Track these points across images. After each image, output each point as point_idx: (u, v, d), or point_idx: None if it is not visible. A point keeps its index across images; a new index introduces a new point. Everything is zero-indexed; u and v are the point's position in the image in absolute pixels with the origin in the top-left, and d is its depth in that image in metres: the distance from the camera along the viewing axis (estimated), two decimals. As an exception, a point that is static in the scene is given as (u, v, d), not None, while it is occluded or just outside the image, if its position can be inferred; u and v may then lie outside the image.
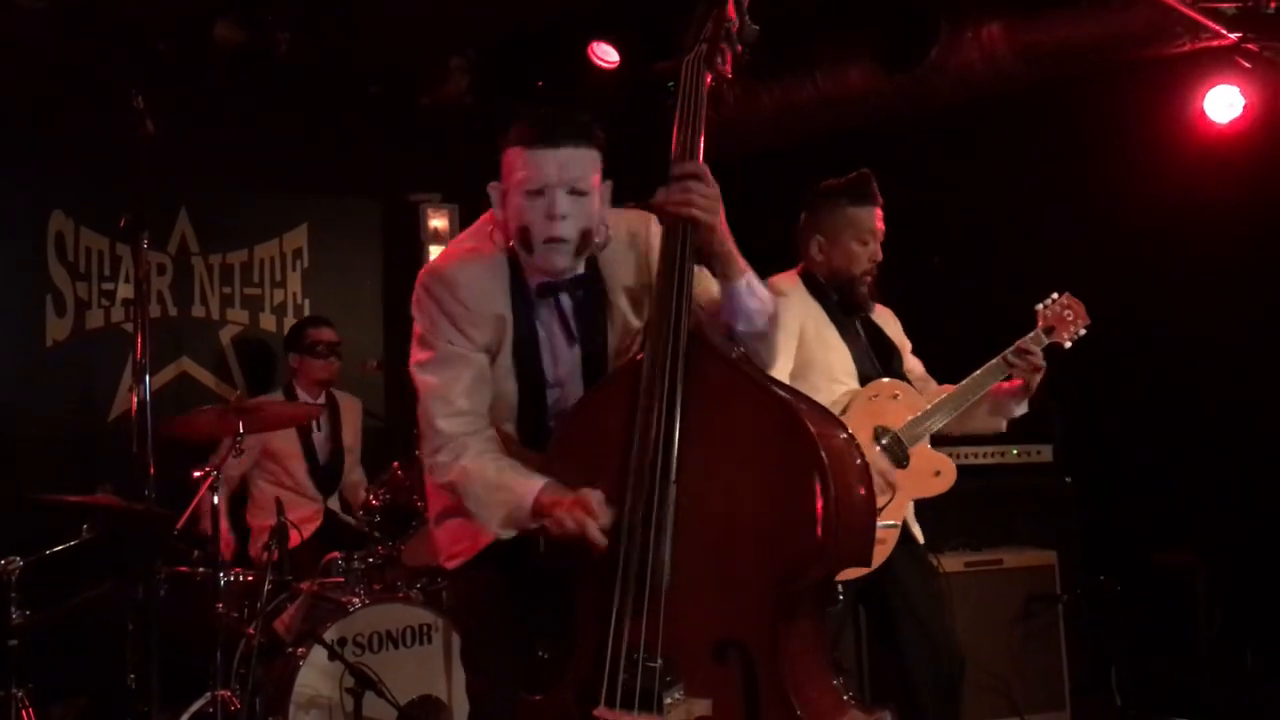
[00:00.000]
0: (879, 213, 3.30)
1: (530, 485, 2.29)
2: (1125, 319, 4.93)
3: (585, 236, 2.34)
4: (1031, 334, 3.28)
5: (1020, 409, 3.35)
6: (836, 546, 2.12)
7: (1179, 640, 4.58)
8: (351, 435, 5.04)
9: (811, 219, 3.30)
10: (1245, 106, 4.57)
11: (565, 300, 2.41)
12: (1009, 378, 3.27)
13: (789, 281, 3.28)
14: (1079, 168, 5.11)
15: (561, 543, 2.23)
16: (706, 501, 2.17)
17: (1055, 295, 3.35)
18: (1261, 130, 4.58)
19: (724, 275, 2.29)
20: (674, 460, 2.16)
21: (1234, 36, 4.27)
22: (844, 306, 3.29)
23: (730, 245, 2.28)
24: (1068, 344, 3.32)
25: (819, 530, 2.09)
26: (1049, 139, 5.18)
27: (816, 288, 3.29)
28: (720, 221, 2.24)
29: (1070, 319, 3.32)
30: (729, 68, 2.31)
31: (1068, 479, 4.89)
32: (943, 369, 3.47)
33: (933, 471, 3.27)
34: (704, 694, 2.15)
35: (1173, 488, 4.80)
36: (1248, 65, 4.37)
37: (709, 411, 2.19)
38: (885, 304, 3.52)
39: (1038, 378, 3.25)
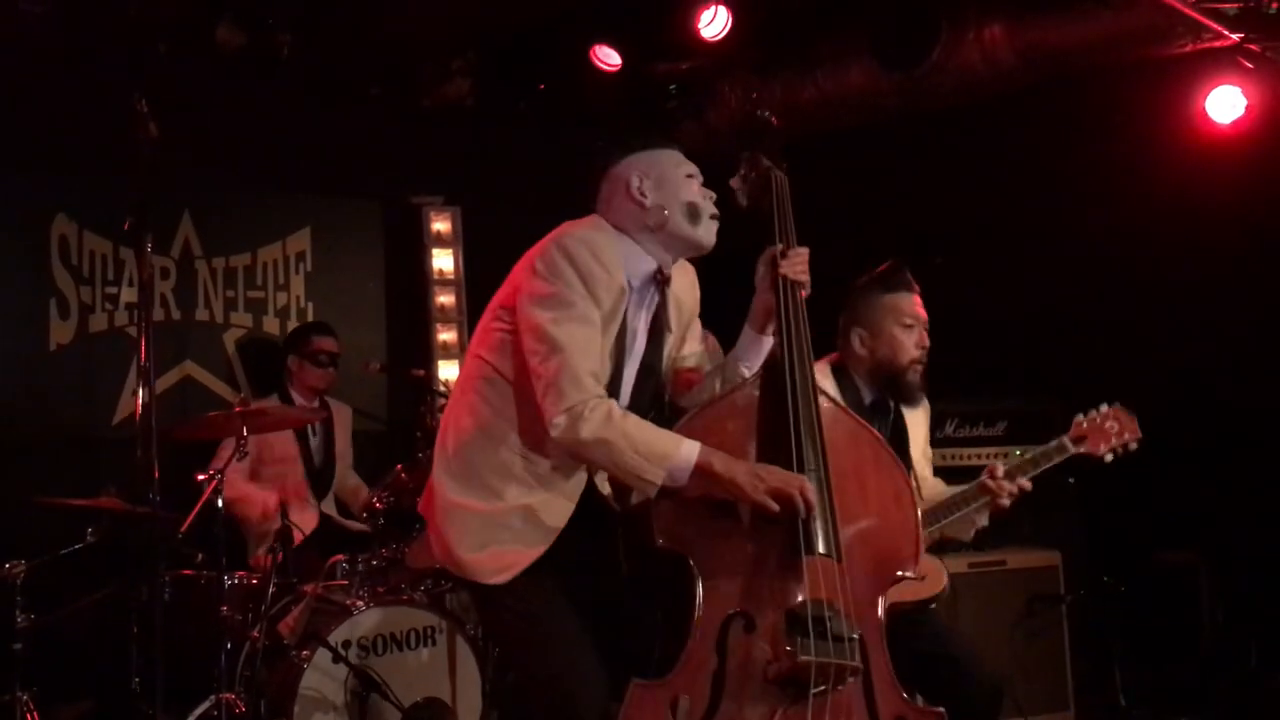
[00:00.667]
0: (918, 300, 3.23)
1: (689, 442, 2.43)
2: (1127, 319, 4.95)
3: None
4: (1056, 442, 3.14)
5: (983, 521, 3.17)
6: (920, 552, 2.58)
7: (1182, 640, 4.58)
8: (343, 441, 5.06)
9: (850, 315, 3.23)
10: (1247, 107, 4.56)
11: (654, 296, 2.64)
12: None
13: (818, 369, 3.00)
14: (1080, 168, 5.11)
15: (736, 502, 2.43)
16: (838, 494, 2.52)
17: (1104, 407, 3.17)
18: (1263, 131, 4.58)
19: (765, 329, 2.70)
20: (823, 455, 2.52)
21: (1236, 37, 4.27)
22: (876, 405, 3.21)
23: None
24: (1107, 458, 3.14)
25: (916, 536, 2.58)
26: (1050, 140, 5.18)
27: (845, 381, 3.20)
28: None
29: (1114, 431, 3.13)
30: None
31: (1070, 479, 4.89)
32: (944, 372, 3.45)
33: (918, 577, 2.86)
34: None
35: (1175, 488, 4.80)
36: (1249, 66, 4.37)
37: (826, 433, 2.58)
38: (929, 397, 3.38)
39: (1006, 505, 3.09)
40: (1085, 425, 3.16)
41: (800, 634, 2.36)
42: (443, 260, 5.81)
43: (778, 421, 2.52)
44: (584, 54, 5.46)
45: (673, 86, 5.90)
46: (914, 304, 3.23)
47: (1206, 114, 4.68)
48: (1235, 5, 4.19)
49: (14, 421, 4.73)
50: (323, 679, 3.67)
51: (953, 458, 4.72)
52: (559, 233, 2.54)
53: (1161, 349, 4.90)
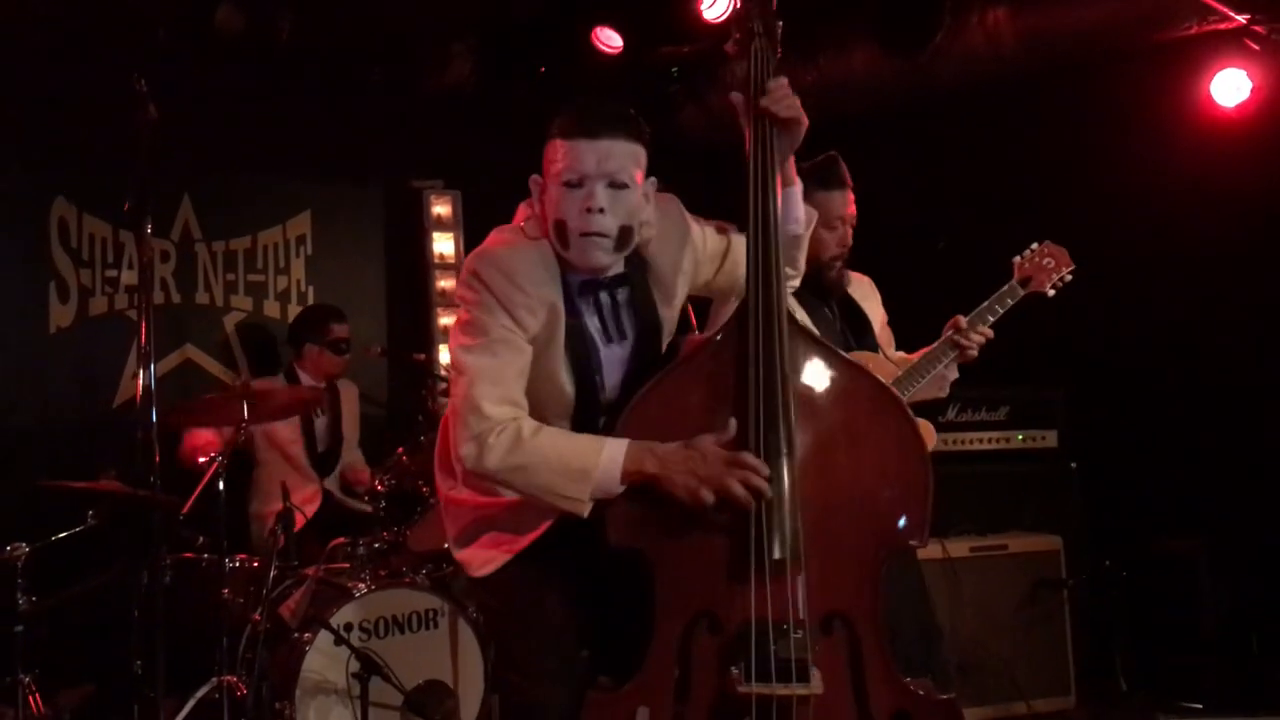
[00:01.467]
0: (850, 196, 3.25)
1: (615, 445, 2.18)
2: (1130, 304, 4.94)
3: (625, 233, 2.29)
4: (1005, 287, 3.23)
5: (953, 374, 3.27)
6: (930, 514, 2.26)
7: (1184, 625, 4.58)
8: (350, 422, 5.04)
9: None
10: (1252, 90, 4.54)
11: (605, 299, 2.36)
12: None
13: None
14: (1085, 152, 5.09)
15: (664, 510, 2.16)
16: (813, 476, 2.21)
17: (1035, 245, 3.30)
18: (1268, 114, 4.56)
19: (785, 179, 2.39)
20: (793, 432, 2.18)
21: (1242, 18, 4.26)
22: (813, 290, 3.22)
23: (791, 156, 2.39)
24: (1050, 292, 3.26)
25: (926, 499, 2.24)
26: (1054, 124, 5.17)
27: None
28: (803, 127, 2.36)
29: (1051, 266, 3.26)
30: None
31: (1072, 464, 4.89)
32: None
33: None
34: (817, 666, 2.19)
35: (1177, 473, 4.80)
36: (1255, 47, 4.35)
37: (805, 386, 2.26)
38: (866, 272, 3.48)
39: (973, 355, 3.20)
40: (1026, 265, 3.27)
41: (743, 658, 2.15)
42: (443, 244, 5.80)
43: (742, 386, 2.21)
44: (585, 36, 5.44)
45: (674, 70, 5.87)
46: (845, 202, 3.25)
47: (1211, 97, 4.66)
48: (1241, -13, 4.18)
49: (14, 405, 4.72)
50: (324, 661, 3.67)
51: (955, 442, 4.71)
52: (476, 252, 2.34)
53: (1165, 333, 4.89)
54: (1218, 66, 4.61)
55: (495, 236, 2.37)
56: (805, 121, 2.35)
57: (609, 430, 2.29)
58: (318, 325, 4.94)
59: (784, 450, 2.19)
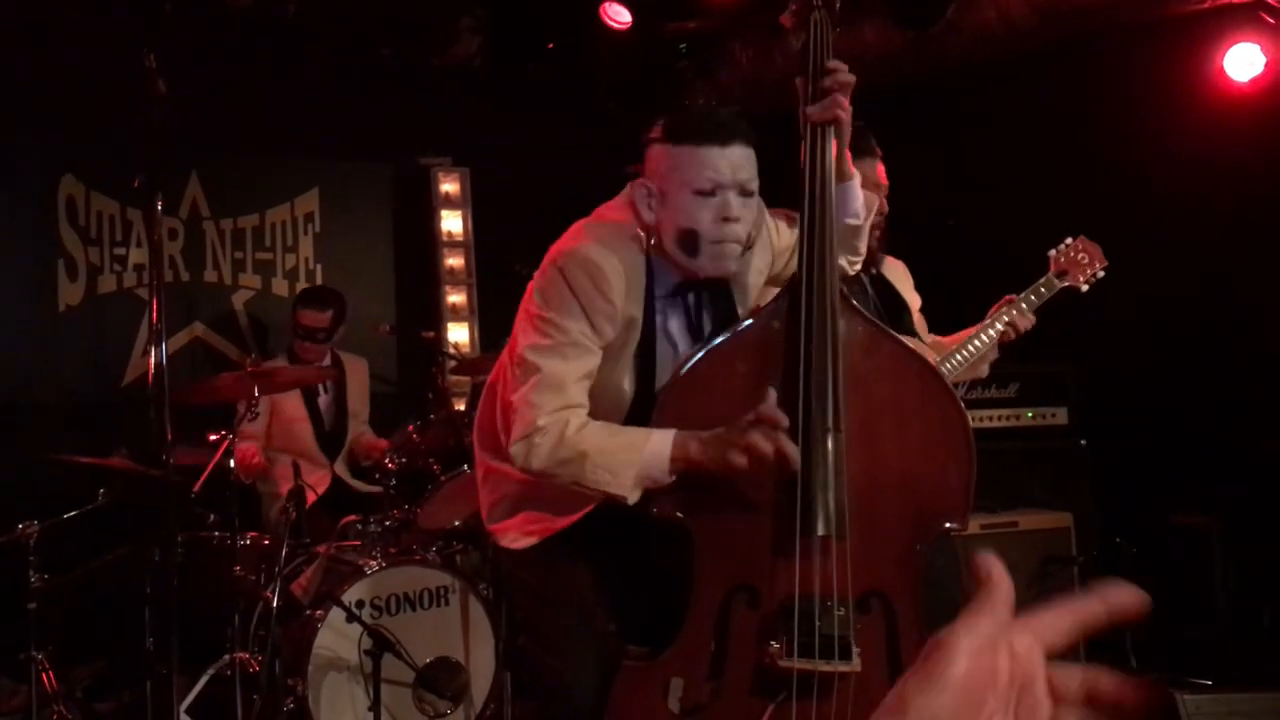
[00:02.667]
0: (880, 166, 3.24)
1: (660, 436, 2.16)
2: (1143, 279, 4.90)
3: (750, 239, 2.29)
4: (1043, 279, 3.26)
5: (995, 354, 3.31)
6: (972, 497, 2.25)
7: (1194, 601, 4.58)
8: (358, 398, 5.00)
9: None
10: (1266, 64, 4.51)
11: (692, 299, 2.35)
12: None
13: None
14: (1097, 127, 5.06)
15: (723, 477, 2.12)
16: (859, 453, 2.19)
17: (1069, 239, 3.33)
18: (1281, 89, 4.52)
19: (841, 175, 2.35)
20: (841, 408, 2.17)
21: (1257, -8, 4.22)
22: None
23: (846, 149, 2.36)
24: (1084, 287, 3.29)
25: (968, 482, 2.23)
26: (1066, 98, 5.13)
27: None
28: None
29: (1085, 262, 3.30)
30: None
31: (1083, 441, 4.88)
32: (959, 327, 3.44)
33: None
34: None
35: (1188, 449, 4.78)
36: (1271, 20, 4.31)
37: (854, 364, 2.23)
38: (898, 257, 3.48)
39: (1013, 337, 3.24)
40: (1062, 259, 3.30)
41: (785, 633, 2.13)
42: (451, 222, 5.78)
43: (792, 363, 2.18)
44: (594, 12, 5.40)
45: (683, 45, 5.84)
46: (876, 171, 3.23)
47: (1225, 72, 4.62)
48: (1257, -40, 4.15)
49: (24, 384, 4.73)
50: (337, 638, 3.67)
51: (965, 419, 4.70)
52: (564, 245, 2.28)
53: (1177, 309, 4.87)
54: (1231, 41, 4.57)
55: (584, 234, 2.32)
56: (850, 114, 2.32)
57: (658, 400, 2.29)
58: (293, 310, 4.86)
59: (830, 425, 2.17)
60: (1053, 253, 3.30)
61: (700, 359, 2.27)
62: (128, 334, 4.98)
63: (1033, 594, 4.46)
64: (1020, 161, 5.23)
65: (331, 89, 5.38)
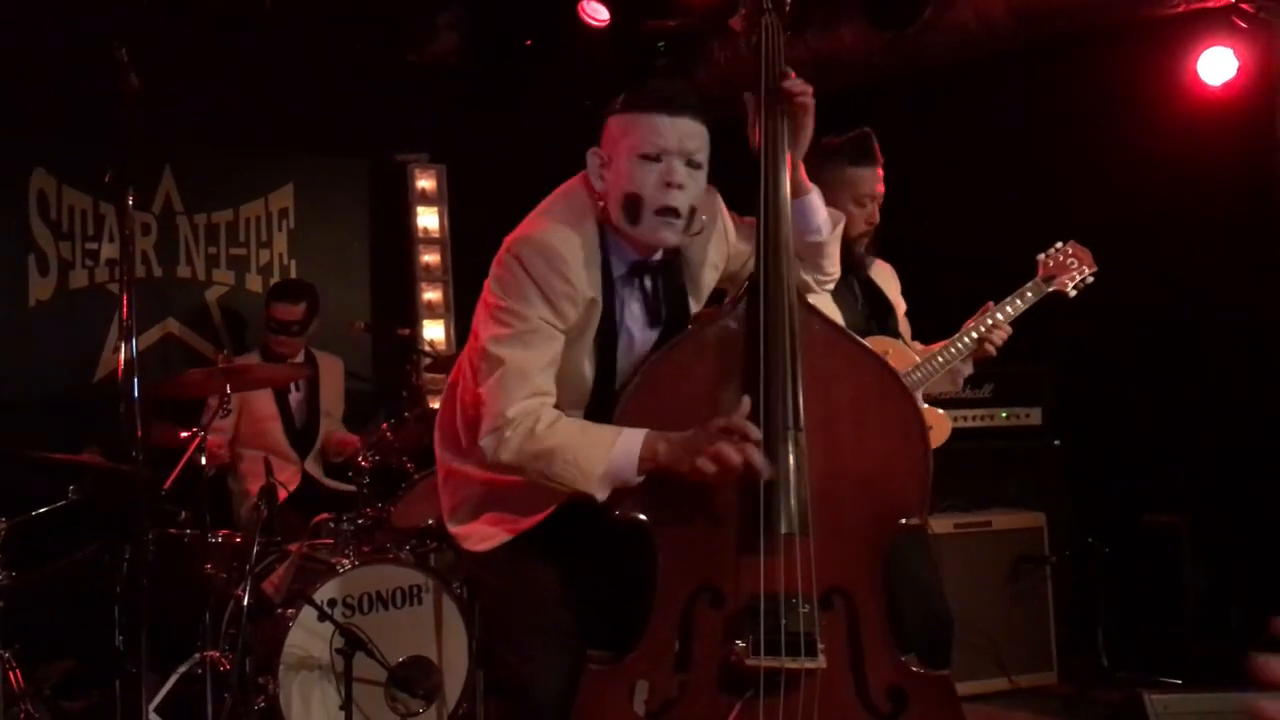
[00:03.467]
0: (880, 174, 3.23)
1: (630, 436, 2.16)
2: (1115, 280, 4.92)
3: (693, 214, 2.26)
4: (1030, 283, 3.23)
5: (968, 369, 3.30)
6: (929, 494, 2.30)
7: (1165, 601, 4.61)
8: (331, 397, 4.97)
9: (809, 176, 3.25)
10: (1238, 69, 4.54)
11: (649, 282, 2.32)
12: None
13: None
14: (1072, 128, 5.09)
15: (689, 483, 2.13)
16: (818, 451, 2.22)
17: (1059, 243, 3.29)
18: (1254, 93, 4.56)
19: (795, 190, 2.35)
20: (801, 406, 2.19)
21: (1230, -3, 4.25)
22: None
23: (800, 163, 2.37)
24: (1072, 293, 3.26)
25: (925, 478, 2.28)
26: (1042, 99, 5.16)
27: None
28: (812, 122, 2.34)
29: (1074, 266, 3.26)
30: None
31: (1056, 441, 4.91)
32: (936, 329, 3.45)
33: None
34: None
35: (1159, 450, 4.82)
36: (1243, 25, 4.34)
37: (812, 363, 2.25)
38: (886, 259, 3.48)
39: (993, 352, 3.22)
40: (1050, 263, 3.26)
41: (751, 631, 2.16)
42: (428, 218, 5.76)
43: (752, 363, 2.21)
44: (572, 10, 5.39)
45: (661, 44, 5.83)
46: (875, 179, 3.22)
47: (1198, 75, 4.66)
48: (1230, -35, 4.17)
49: (-6, 379, 4.68)
50: (308, 637, 3.65)
51: (940, 419, 4.72)
52: (517, 233, 2.27)
53: (1150, 311, 4.90)
54: (1205, 44, 4.61)
55: (538, 219, 2.30)
56: (809, 131, 2.34)
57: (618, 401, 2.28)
58: (265, 305, 4.83)
59: (791, 424, 2.19)
60: (1041, 256, 3.26)
61: (659, 360, 2.28)
62: (99, 329, 4.93)
63: (1005, 593, 4.50)
64: (996, 161, 5.25)
65: (308, 84, 5.34)
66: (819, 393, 2.25)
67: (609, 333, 2.31)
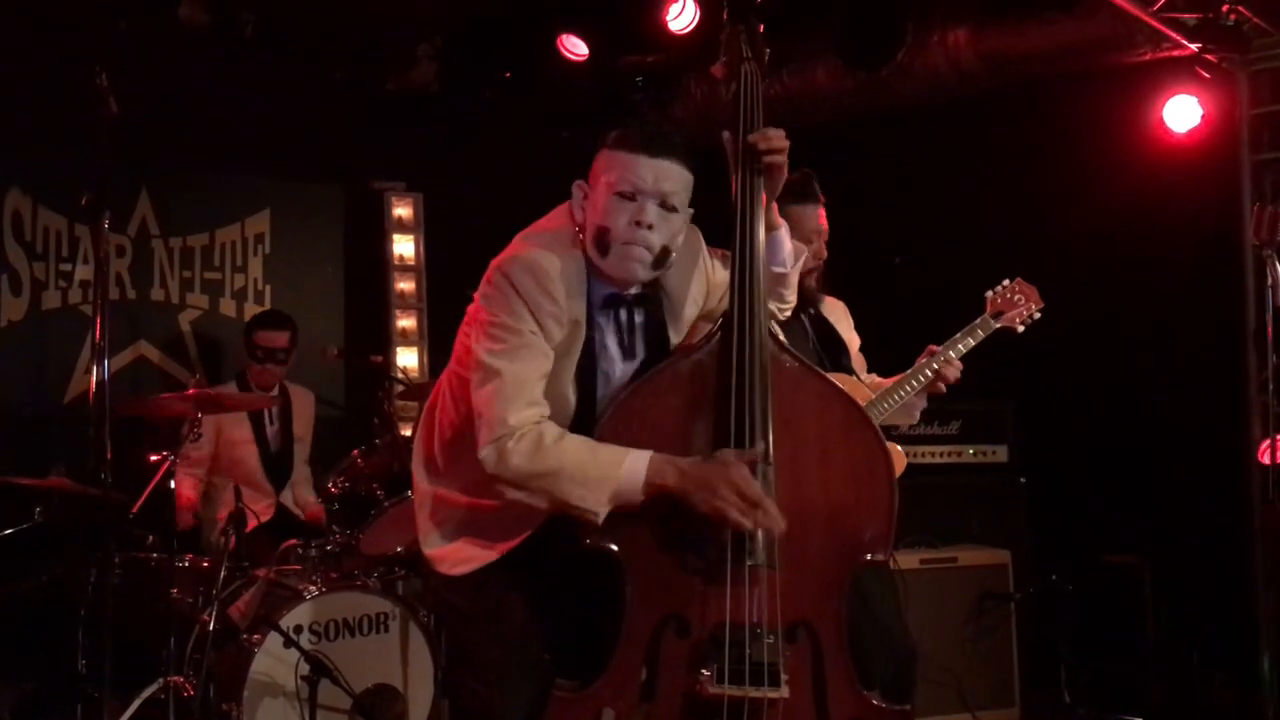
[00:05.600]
0: (822, 211, 3.31)
1: (638, 457, 2.20)
2: (1080, 322, 5.01)
3: (664, 253, 2.32)
4: (979, 319, 3.30)
5: (923, 403, 3.35)
6: (894, 531, 2.33)
7: (1127, 639, 4.66)
8: (303, 427, 4.97)
9: None
10: (1203, 116, 4.63)
11: (624, 315, 2.38)
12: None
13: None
14: (1040, 170, 5.17)
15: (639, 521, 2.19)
16: (785, 486, 2.26)
17: (1006, 281, 3.36)
18: (1218, 141, 4.65)
19: (769, 225, 2.43)
20: (771, 441, 2.23)
21: (1194, 47, 4.35)
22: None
23: (773, 200, 2.44)
24: (1020, 328, 3.32)
25: (890, 515, 2.31)
26: (1010, 143, 5.24)
27: None
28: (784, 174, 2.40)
29: (1021, 303, 3.33)
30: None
31: (1022, 479, 4.97)
32: (901, 366, 3.49)
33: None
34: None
35: (1122, 489, 4.88)
36: (1206, 75, 4.44)
37: (782, 399, 2.29)
38: (838, 296, 3.54)
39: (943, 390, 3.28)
40: (998, 300, 3.33)
41: (716, 661, 2.19)
42: (403, 246, 5.79)
43: (724, 398, 2.26)
44: (551, 43, 5.45)
45: (638, 79, 5.90)
46: (818, 217, 3.30)
47: (1164, 122, 4.75)
48: (1194, 16, 4.27)
49: (-39, 399, 4.66)
50: (274, 663, 3.64)
51: (908, 455, 4.75)
52: (506, 254, 2.33)
53: (1114, 352, 4.97)
54: (1170, 92, 4.70)
55: (524, 242, 2.36)
56: (785, 167, 2.39)
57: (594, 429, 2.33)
58: (247, 336, 4.84)
59: (760, 458, 2.23)
60: (989, 294, 3.34)
61: (633, 391, 2.33)
62: (71, 351, 4.92)
63: (970, 629, 4.53)
64: (965, 202, 5.33)
65: (287, 110, 5.37)
66: (788, 428, 2.29)
67: (590, 359, 2.36)
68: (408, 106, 5.66)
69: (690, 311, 2.50)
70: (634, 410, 2.30)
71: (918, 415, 3.38)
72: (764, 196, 2.39)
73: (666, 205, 2.30)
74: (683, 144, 2.32)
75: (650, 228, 2.28)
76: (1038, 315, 3.34)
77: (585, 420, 2.36)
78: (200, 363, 5.30)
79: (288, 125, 5.37)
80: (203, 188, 5.36)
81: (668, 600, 2.25)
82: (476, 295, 2.36)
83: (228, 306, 5.40)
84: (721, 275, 2.55)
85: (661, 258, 2.33)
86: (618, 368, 2.40)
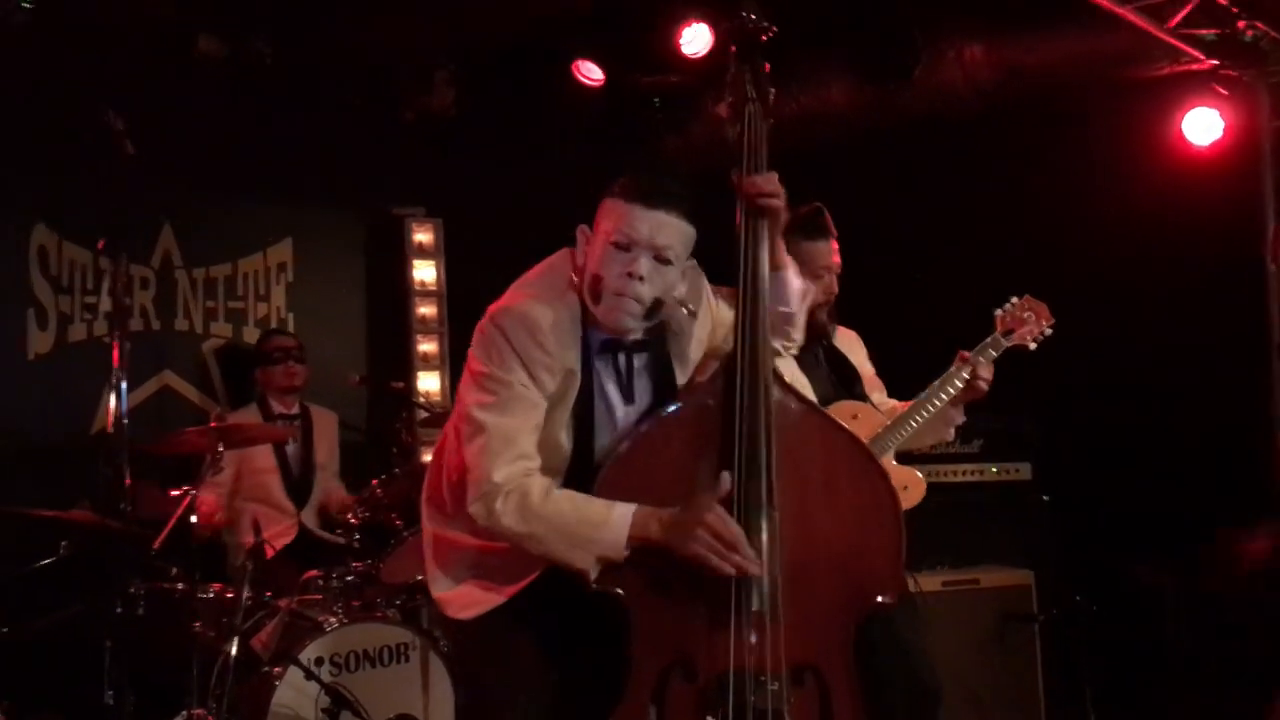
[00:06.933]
0: (834, 245, 3.31)
1: (621, 512, 2.22)
2: (1103, 336, 4.97)
3: (656, 305, 2.34)
4: (990, 338, 3.28)
5: (961, 417, 3.35)
6: (903, 574, 2.33)
7: (1153, 658, 4.61)
8: (326, 450, 5.03)
9: None
10: (1224, 129, 4.59)
11: (622, 360, 2.40)
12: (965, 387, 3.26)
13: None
14: (1059, 184, 5.14)
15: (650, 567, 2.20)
16: (791, 529, 2.26)
17: (1015, 299, 3.34)
18: (1239, 154, 4.60)
19: (774, 265, 2.41)
20: (775, 485, 2.24)
21: (1212, 62, 4.31)
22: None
23: (780, 240, 2.43)
24: (1032, 345, 3.31)
25: (898, 556, 2.31)
26: (1029, 158, 5.21)
27: None
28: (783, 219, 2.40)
29: (1031, 320, 3.31)
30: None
31: (1045, 497, 4.92)
32: (921, 381, 3.46)
33: (900, 487, 3.23)
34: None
35: (1149, 507, 4.82)
36: (1224, 91, 4.40)
37: (787, 442, 2.29)
38: (854, 315, 3.53)
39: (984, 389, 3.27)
40: (1008, 318, 3.31)
41: (721, 706, 2.19)
42: (424, 271, 5.83)
43: (728, 442, 2.27)
44: (566, 69, 5.48)
45: (656, 100, 5.92)
46: (830, 251, 3.30)
47: (1184, 135, 4.70)
48: (1212, 32, 4.23)
49: (-10, 433, 4.72)
50: (295, 695, 3.67)
51: (929, 474, 4.67)
52: (498, 305, 2.36)
53: (1137, 366, 4.93)
54: (1190, 105, 4.66)
55: (519, 291, 2.39)
56: (782, 213, 2.39)
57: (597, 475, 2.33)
58: (257, 345, 5.01)
59: (764, 503, 2.24)
60: (998, 312, 3.32)
61: (638, 437, 2.34)
62: (97, 383, 4.94)
63: (993, 651, 4.49)
64: (983, 217, 5.30)
65: (306, 139, 5.42)
66: (794, 471, 2.29)
67: (585, 405, 2.37)
68: (426, 133, 5.70)
69: (696, 352, 2.50)
70: (634, 462, 2.31)
71: (953, 431, 3.38)
72: (772, 237, 2.39)
73: (661, 258, 2.31)
74: (685, 196, 2.34)
75: (642, 280, 2.30)
76: (1049, 332, 3.32)
77: (582, 467, 2.37)
78: (224, 391, 5.34)
79: (307, 154, 5.42)
80: (225, 218, 5.41)
81: (673, 645, 2.26)
82: (471, 346, 2.38)
83: (251, 335, 5.45)
84: (726, 313, 2.54)
85: (653, 309, 2.35)
86: (619, 412, 2.41)
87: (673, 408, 2.36)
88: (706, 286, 2.52)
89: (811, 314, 3.23)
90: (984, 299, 3.38)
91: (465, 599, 2.42)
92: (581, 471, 2.37)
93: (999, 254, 5.26)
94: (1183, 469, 4.79)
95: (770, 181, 2.36)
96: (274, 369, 4.91)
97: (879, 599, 2.30)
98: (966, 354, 3.28)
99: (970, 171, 5.33)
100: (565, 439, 2.36)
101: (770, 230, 2.39)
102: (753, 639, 2.21)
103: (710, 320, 2.53)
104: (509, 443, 2.26)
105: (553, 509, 2.24)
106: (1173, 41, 4.19)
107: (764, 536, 2.23)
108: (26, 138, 4.73)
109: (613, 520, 2.22)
